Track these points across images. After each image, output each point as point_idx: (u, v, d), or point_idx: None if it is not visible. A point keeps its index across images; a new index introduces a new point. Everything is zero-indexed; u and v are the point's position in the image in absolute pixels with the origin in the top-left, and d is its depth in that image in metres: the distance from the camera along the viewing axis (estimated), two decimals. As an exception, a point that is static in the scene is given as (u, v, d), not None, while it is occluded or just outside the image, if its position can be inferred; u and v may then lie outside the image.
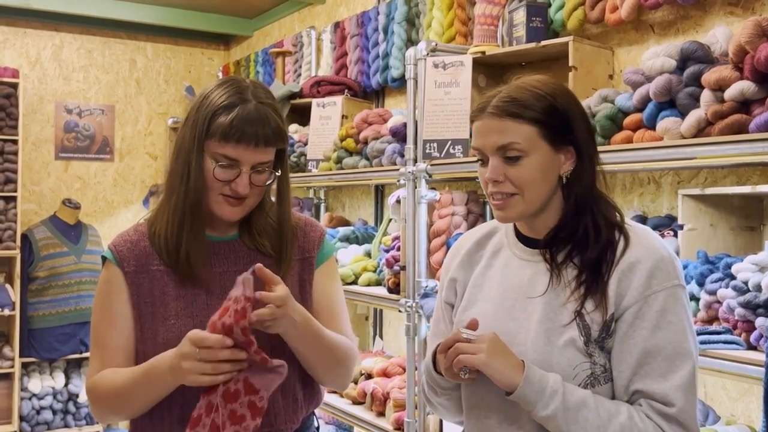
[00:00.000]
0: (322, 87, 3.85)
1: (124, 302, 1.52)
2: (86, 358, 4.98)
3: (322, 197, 4.23)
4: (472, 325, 1.32)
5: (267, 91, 1.55)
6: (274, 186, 1.57)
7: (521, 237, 1.43)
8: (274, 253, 1.57)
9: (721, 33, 2.00)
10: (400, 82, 3.53)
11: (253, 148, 1.46)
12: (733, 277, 1.84)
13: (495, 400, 1.35)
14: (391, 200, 3.08)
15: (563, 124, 1.34)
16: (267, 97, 1.52)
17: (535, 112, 1.32)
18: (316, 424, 1.69)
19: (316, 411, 1.70)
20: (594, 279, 1.31)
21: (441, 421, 2.70)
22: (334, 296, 1.65)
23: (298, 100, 4.00)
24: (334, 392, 3.21)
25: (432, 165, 2.78)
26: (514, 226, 1.45)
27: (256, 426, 1.36)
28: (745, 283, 1.79)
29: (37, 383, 4.78)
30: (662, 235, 2.09)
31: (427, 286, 2.76)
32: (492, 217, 2.97)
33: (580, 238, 1.34)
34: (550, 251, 1.36)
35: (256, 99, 1.49)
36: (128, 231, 1.59)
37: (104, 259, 1.56)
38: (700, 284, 1.91)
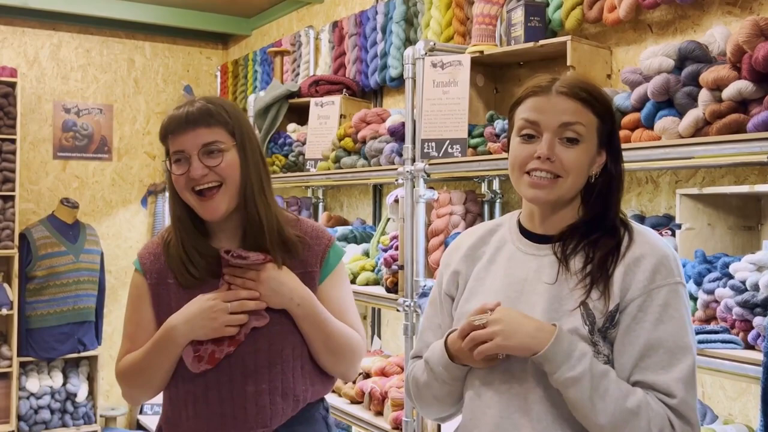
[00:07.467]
0: (321, 86, 3.85)
1: (149, 309, 1.65)
2: (84, 358, 5.00)
3: (321, 197, 4.23)
4: (481, 311, 1.33)
5: (217, 99, 1.63)
6: (253, 182, 1.60)
7: (525, 233, 1.45)
8: (271, 256, 1.60)
9: (719, 32, 2.00)
10: (399, 82, 3.53)
11: (183, 131, 1.56)
12: (730, 277, 1.84)
13: (499, 387, 1.36)
14: (389, 200, 3.08)
15: (612, 126, 1.40)
16: (209, 101, 1.60)
17: (602, 106, 1.38)
18: (323, 413, 1.70)
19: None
20: (600, 270, 1.33)
21: (439, 421, 2.70)
22: (342, 300, 1.69)
23: (296, 100, 3.99)
24: (333, 391, 3.21)
25: (430, 164, 2.78)
26: (518, 222, 1.47)
27: (230, 351, 1.57)
28: (743, 282, 1.79)
29: (35, 382, 4.78)
30: (660, 235, 2.09)
31: (425, 286, 2.76)
32: (491, 217, 2.98)
33: (594, 237, 1.37)
34: (562, 245, 1.39)
35: (194, 102, 1.60)
36: (154, 241, 1.71)
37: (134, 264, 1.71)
38: (698, 284, 1.91)
